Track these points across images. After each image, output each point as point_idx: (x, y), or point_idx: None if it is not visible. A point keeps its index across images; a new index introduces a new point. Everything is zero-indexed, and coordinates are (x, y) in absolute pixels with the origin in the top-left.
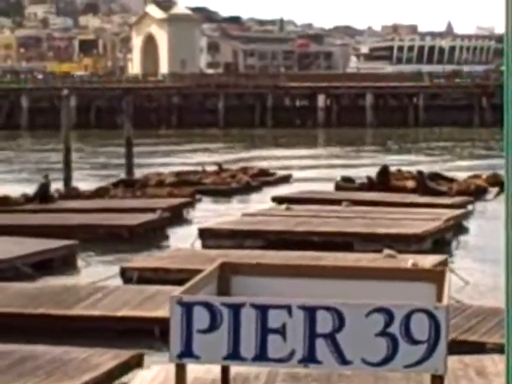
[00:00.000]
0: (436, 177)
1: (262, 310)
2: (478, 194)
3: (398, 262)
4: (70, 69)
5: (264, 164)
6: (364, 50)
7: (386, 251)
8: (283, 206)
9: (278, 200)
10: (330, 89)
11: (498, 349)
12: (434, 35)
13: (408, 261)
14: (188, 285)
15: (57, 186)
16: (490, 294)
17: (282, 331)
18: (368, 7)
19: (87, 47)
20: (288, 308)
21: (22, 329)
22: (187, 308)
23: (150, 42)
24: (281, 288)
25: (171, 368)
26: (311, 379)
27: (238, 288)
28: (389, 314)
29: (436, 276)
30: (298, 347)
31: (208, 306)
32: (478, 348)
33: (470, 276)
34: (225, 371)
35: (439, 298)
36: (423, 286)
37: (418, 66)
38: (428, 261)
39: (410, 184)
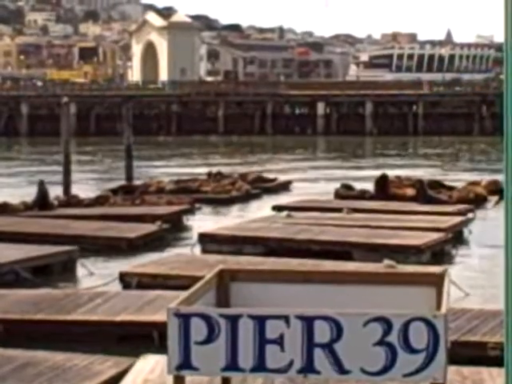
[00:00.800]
0: (435, 184)
1: (260, 321)
2: (478, 202)
3: None
4: (70, 76)
5: (264, 171)
6: (364, 58)
7: (386, 261)
8: (284, 213)
9: (278, 209)
10: (330, 97)
11: (500, 348)
12: (433, 43)
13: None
14: (186, 294)
15: (56, 192)
16: (489, 304)
17: (279, 342)
18: (368, 16)
19: (87, 55)
20: (286, 318)
21: (21, 335)
22: (184, 320)
23: (149, 50)
24: (280, 294)
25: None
26: (309, 383)
27: (237, 295)
28: (387, 323)
29: (436, 280)
30: (297, 357)
31: (205, 317)
32: (480, 348)
33: (470, 287)
34: (226, 381)
35: (439, 302)
36: (423, 290)
37: (418, 75)
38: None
39: (410, 192)
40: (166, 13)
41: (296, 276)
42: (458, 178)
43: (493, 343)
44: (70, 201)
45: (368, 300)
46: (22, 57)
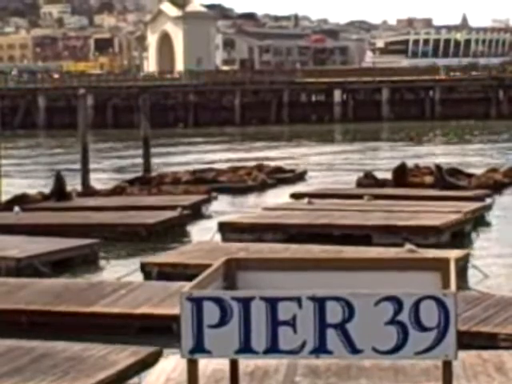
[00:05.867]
0: (454, 172)
1: (272, 303)
2: (497, 188)
3: None
4: (86, 68)
5: (280, 160)
6: (379, 44)
7: (408, 246)
8: (305, 200)
9: (297, 196)
10: (346, 84)
11: (510, 339)
12: (449, 28)
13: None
14: (195, 281)
15: (74, 184)
16: (509, 286)
17: (292, 323)
18: (383, 1)
19: (103, 46)
20: (298, 300)
21: (44, 326)
22: (197, 303)
23: (165, 40)
24: (287, 282)
25: None
26: (331, 373)
27: (244, 283)
28: (398, 303)
29: (440, 264)
30: (309, 338)
31: (218, 300)
32: (491, 339)
33: (490, 269)
34: (234, 365)
35: (445, 286)
36: (428, 274)
37: (434, 60)
38: (449, 255)
39: (428, 180)
40: (180, 2)
41: (302, 264)
42: (476, 163)
43: (504, 334)
44: (88, 192)
45: (374, 285)
46: (37, 49)
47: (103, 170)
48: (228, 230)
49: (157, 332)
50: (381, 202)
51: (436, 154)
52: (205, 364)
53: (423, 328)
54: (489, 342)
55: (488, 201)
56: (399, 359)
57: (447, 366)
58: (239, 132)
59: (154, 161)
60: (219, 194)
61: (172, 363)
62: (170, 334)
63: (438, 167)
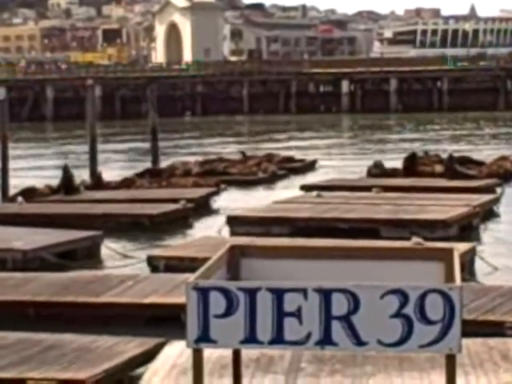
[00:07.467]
0: (465, 160)
1: (278, 294)
2: (507, 177)
3: None
4: (94, 58)
5: (289, 150)
6: (387, 34)
7: (414, 239)
8: (314, 194)
9: (307, 188)
10: (354, 74)
11: None
12: (457, 18)
13: None
14: (201, 270)
15: (82, 176)
16: None
17: (297, 314)
18: None
19: (111, 37)
20: (304, 291)
21: (51, 318)
22: (203, 293)
23: (173, 31)
24: (291, 270)
25: None
26: (336, 361)
27: (248, 271)
28: (403, 296)
29: (444, 254)
30: (314, 330)
31: (224, 290)
32: (497, 327)
33: (499, 262)
34: (236, 354)
35: (448, 276)
36: (432, 265)
37: (442, 50)
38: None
39: (439, 169)
40: None
41: (306, 252)
42: (485, 152)
43: (510, 322)
44: (97, 184)
45: (377, 274)
46: (45, 40)
47: (112, 160)
48: (236, 224)
49: (165, 323)
50: (389, 194)
51: (445, 143)
52: (210, 350)
53: (428, 321)
54: (495, 329)
55: (498, 191)
56: (404, 352)
57: (451, 359)
58: (248, 121)
59: (163, 144)
60: (229, 186)
61: (178, 349)
62: (178, 325)
63: (451, 156)
